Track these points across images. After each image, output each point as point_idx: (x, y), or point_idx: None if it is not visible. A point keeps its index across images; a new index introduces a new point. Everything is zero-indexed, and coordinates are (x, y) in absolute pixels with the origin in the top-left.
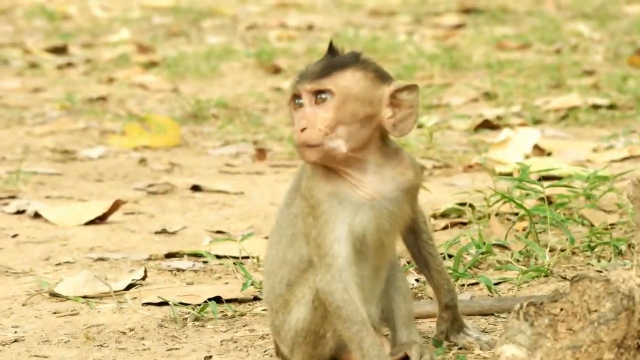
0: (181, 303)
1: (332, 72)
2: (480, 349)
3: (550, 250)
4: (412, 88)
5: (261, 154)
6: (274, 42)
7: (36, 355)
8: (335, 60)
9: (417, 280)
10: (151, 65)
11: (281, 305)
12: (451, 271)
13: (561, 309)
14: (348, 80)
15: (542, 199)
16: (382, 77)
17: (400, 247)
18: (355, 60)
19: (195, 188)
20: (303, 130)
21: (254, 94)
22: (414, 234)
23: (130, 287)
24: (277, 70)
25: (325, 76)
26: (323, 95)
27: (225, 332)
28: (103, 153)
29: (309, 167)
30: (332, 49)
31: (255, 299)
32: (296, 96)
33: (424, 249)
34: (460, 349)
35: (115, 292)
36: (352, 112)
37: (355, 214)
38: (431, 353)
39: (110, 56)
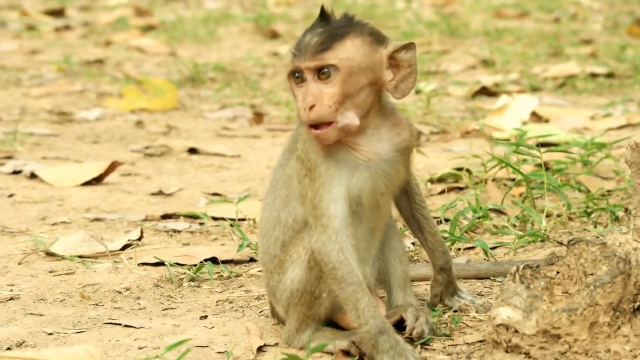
0: (177, 263)
1: (332, 44)
2: (476, 311)
3: (546, 216)
4: (409, 46)
5: (258, 117)
6: (272, 7)
7: (32, 313)
8: (332, 30)
9: (413, 243)
10: (149, 28)
11: (276, 265)
12: (447, 235)
13: (557, 272)
14: (349, 51)
15: (539, 164)
16: (379, 38)
17: (395, 211)
18: (350, 27)
19: (192, 151)
20: (312, 108)
21: (251, 58)
22: (407, 196)
23: (126, 247)
24: (274, 35)
25: (325, 50)
26: (326, 70)
27: (220, 292)
28: (100, 115)
29: (304, 129)
30: (324, 15)
31: (251, 260)
32: (296, 71)
33: (417, 212)
34: (455, 311)
35: (111, 252)
36: (357, 83)
37: (351, 175)
38: (426, 315)
39: (108, 19)
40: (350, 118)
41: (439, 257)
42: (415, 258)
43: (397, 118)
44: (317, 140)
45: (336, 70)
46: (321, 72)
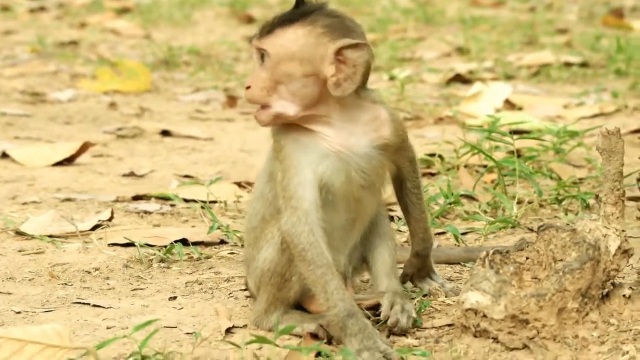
0: (147, 244)
1: (274, 30)
2: (445, 296)
3: (518, 203)
4: (359, 46)
5: (231, 101)
6: None
7: (0, 292)
8: (286, 16)
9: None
10: (124, 11)
11: (253, 239)
12: None
13: (527, 258)
14: (286, 39)
15: (511, 151)
16: (332, 32)
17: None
18: (305, 16)
19: (165, 133)
20: (248, 88)
21: (226, 42)
22: (400, 180)
23: (96, 227)
24: (250, 20)
25: (266, 35)
26: (264, 55)
27: (190, 274)
28: (73, 96)
29: None
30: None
31: (222, 242)
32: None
33: (407, 196)
34: (424, 296)
35: (81, 232)
36: (288, 72)
37: (319, 162)
38: (403, 303)
39: (83, 1)
40: (283, 106)
41: (418, 243)
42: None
43: (377, 112)
44: (256, 119)
45: (268, 55)
46: (262, 55)
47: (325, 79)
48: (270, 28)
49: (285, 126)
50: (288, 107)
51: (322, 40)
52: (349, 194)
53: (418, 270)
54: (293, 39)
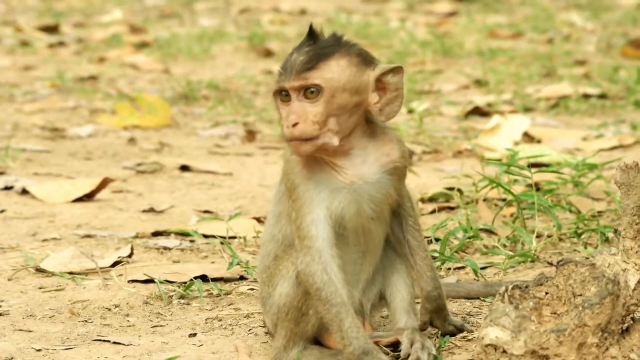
0: (167, 281)
1: (317, 64)
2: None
3: (537, 236)
4: (396, 70)
5: (251, 135)
6: (266, 26)
7: (20, 330)
8: (318, 50)
9: None
10: (143, 45)
11: (267, 277)
12: (438, 254)
13: (546, 293)
14: (334, 72)
15: (530, 185)
16: (366, 60)
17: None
18: (337, 47)
19: (184, 168)
20: (295, 125)
21: (245, 76)
22: (399, 218)
23: (116, 264)
24: (268, 54)
25: (310, 70)
26: (311, 90)
27: (210, 310)
28: (92, 132)
29: (287, 147)
30: (312, 33)
31: (241, 278)
32: (282, 90)
33: (408, 234)
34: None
35: (101, 268)
36: (342, 104)
37: (333, 198)
38: (423, 341)
39: (102, 36)
40: (330, 138)
41: (427, 282)
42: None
43: (386, 138)
44: (294, 151)
45: (320, 89)
46: (307, 91)
47: (367, 107)
48: (309, 63)
49: (299, 163)
50: (333, 139)
51: (362, 69)
52: (359, 227)
53: (436, 314)
54: (340, 71)
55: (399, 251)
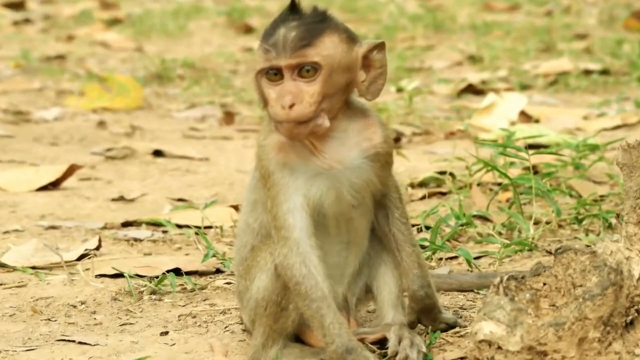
0: (137, 275)
1: (312, 40)
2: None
3: (535, 223)
4: (381, 46)
5: (229, 117)
6: (246, 0)
7: None
8: (308, 25)
9: None
10: (114, 22)
11: (244, 270)
12: (428, 243)
13: (544, 284)
14: (329, 48)
15: (527, 167)
16: (352, 37)
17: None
18: (325, 22)
19: (157, 153)
20: (292, 107)
21: (223, 54)
22: (385, 210)
23: (82, 257)
24: (248, 30)
25: (307, 46)
26: (307, 68)
27: (183, 306)
28: (59, 115)
29: (263, 132)
30: (294, 7)
31: (218, 271)
32: (272, 68)
33: (395, 227)
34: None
35: (66, 262)
36: (336, 83)
37: (310, 185)
38: (412, 337)
39: (71, 12)
40: (322, 119)
41: (413, 280)
42: None
43: (369, 121)
44: (288, 135)
45: (318, 67)
46: (302, 70)
47: (354, 86)
48: (304, 40)
49: (274, 148)
50: (326, 120)
51: (351, 46)
52: (339, 215)
53: (424, 313)
54: (334, 48)
55: (386, 245)
